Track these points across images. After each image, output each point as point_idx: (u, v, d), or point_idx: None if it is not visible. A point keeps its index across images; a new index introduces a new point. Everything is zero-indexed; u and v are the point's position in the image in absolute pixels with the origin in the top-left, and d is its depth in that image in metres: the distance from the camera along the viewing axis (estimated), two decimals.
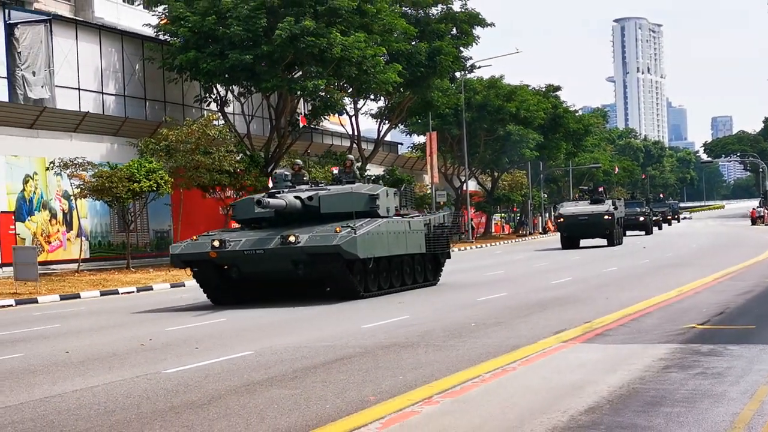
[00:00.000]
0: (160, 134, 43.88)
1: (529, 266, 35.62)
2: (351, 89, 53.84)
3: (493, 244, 68.73)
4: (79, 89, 46.61)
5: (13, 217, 39.40)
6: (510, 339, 14.27)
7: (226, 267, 22.59)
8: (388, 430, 8.45)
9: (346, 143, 64.95)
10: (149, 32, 50.81)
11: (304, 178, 26.04)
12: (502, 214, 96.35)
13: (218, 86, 49.40)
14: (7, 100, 42.28)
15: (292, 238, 21.24)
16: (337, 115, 60.38)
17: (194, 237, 23.69)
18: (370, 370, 11.76)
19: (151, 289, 31.50)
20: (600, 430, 8.20)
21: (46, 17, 46.59)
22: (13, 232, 39.13)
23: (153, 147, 43.06)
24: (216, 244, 21.88)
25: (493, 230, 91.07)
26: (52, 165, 39.36)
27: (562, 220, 50.22)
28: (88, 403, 10.23)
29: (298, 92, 48.25)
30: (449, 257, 28.37)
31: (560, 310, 18.33)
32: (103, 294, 29.76)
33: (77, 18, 52.65)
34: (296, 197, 23.46)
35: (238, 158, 46.45)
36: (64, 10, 57.29)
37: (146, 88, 51.14)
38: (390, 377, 11.20)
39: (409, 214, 26.62)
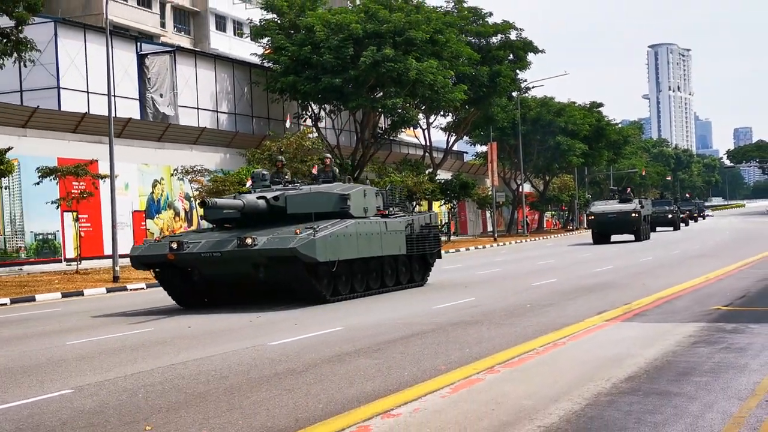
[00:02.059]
0: (265, 145, 44.27)
1: (575, 257, 35.25)
2: (424, 107, 53.94)
3: (544, 237, 68.09)
4: (197, 108, 47.22)
5: (144, 215, 40.25)
6: (560, 318, 14.14)
7: (189, 269, 18.64)
8: (456, 395, 8.42)
9: (420, 152, 64.84)
10: (256, 60, 51.37)
11: (285, 177, 21.68)
12: (553, 212, 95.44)
13: (313, 105, 49.84)
14: (139, 117, 42.98)
15: (249, 241, 17.34)
16: (412, 128, 60.47)
17: (156, 237, 20.50)
18: (441, 344, 11.73)
19: None
20: (638, 395, 8.09)
21: (171, 48, 47.36)
22: (144, 227, 39.90)
23: (258, 156, 43.46)
24: (174, 246, 17.97)
25: (545, 226, 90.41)
26: (175, 171, 39.96)
27: (592, 217, 48.43)
28: (206, 369, 10.34)
29: (380, 109, 48.65)
30: (440, 257, 23.94)
31: (603, 294, 18.11)
32: None
33: (196, 49, 53.39)
34: (261, 197, 19.36)
35: None
36: (186, 43, 58.14)
37: (253, 107, 51.64)
38: (458, 350, 11.16)
39: (394, 215, 22.16)
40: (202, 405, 8.26)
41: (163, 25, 61.05)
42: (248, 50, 55.99)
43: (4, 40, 27.24)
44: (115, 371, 10.43)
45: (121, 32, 47.57)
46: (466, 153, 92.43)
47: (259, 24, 50.26)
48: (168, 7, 62.31)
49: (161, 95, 45.19)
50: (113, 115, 31.53)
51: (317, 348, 11.74)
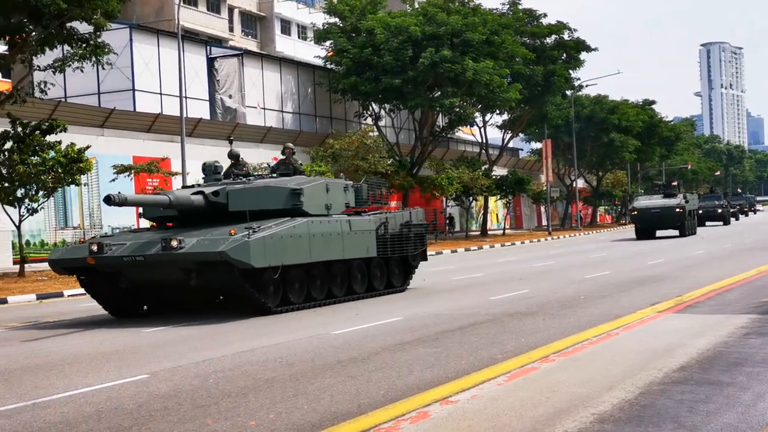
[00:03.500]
0: (327, 143, 44.54)
1: (627, 250, 34.82)
2: (480, 105, 53.73)
3: (597, 231, 67.40)
4: (264, 108, 47.60)
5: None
6: (613, 309, 13.99)
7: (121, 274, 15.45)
8: (512, 383, 8.39)
9: (476, 149, 64.59)
10: (319, 62, 51.65)
11: (244, 169, 18.48)
12: (606, 207, 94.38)
13: (373, 104, 49.98)
14: (208, 117, 43.48)
15: (174, 243, 14.26)
16: (468, 126, 60.31)
17: (81, 239, 17.24)
18: (498, 334, 11.69)
19: None
20: (690, 384, 7.98)
21: (238, 52, 47.85)
22: None
23: (322, 154, 43.74)
24: (94, 248, 15.01)
25: (598, 220, 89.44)
26: None
27: (635, 212, 45.68)
28: (272, 356, 10.42)
29: (438, 108, 48.64)
30: (425, 259, 20.70)
31: (655, 286, 17.87)
32: None
33: (263, 52, 53.79)
34: (197, 192, 16.20)
35: (389, 162, 46.79)
36: (252, 46, 58.63)
37: (316, 107, 51.94)
38: (514, 339, 11.11)
39: (366, 212, 19.18)
40: (269, 390, 8.34)
41: (231, 29, 61.62)
42: (312, 53, 56.30)
43: (84, 45, 27.78)
44: (187, 358, 10.58)
45: (191, 37, 48.15)
46: (521, 150, 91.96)
47: (322, 28, 50.54)
48: (236, 12, 62.88)
49: (230, 96, 45.70)
50: (185, 115, 31.97)
51: (378, 337, 11.77)
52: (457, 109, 49.02)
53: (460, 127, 57.71)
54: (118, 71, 38.58)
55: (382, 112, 50.98)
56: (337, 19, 49.58)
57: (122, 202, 14.56)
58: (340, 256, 16.96)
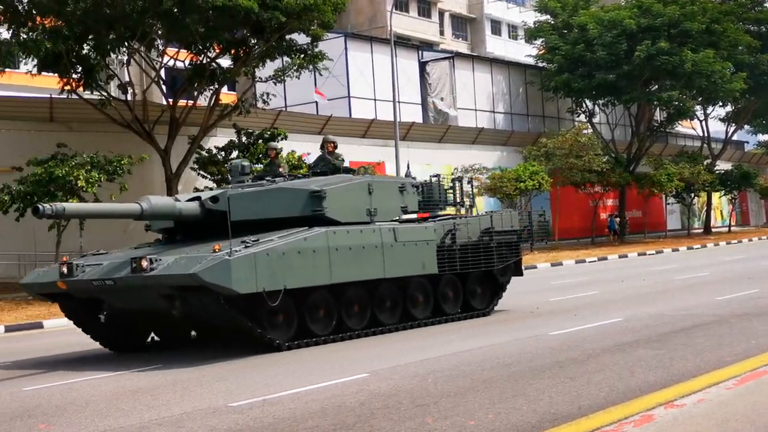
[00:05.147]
0: (540, 143, 44.13)
1: None
2: (701, 98, 51.63)
3: None
4: (475, 110, 47.83)
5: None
6: None
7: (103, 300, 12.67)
8: (743, 387, 7.99)
9: (697, 144, 61.99)
10: (530, 61, 51.31)
11: (280, 169, 15.18)
12: None
13: (586, 101, 49.17)
14: (421, 121, 44.15)
15: (144, 264, 11.43)
16: (688, 120, 58.10)
17: (64, 258, 13.34)
18: (725, 335, 11.17)
19: (535, 267, 31.59)
20: None
21: (449, 55, 48.32)
22: None
23: (534, 153, 43.38)
24: (64, 270, 12.31)
25: None
26: (455, 170, 40.64)
27: None
28: (489, 357, 10.43)
29: (655, 103, 47.32)
30: (519, 274, 16.59)
31: None
32: None
33: (473, 53, 54.02)
34: (194, 198, 13.30)
35: (604, 160, 45.80)
36: (463, 48, 59.00)
37: (528, 106, 51.59)
38: (743, 341, 10.58)
39: (438, 216, 15.44)
40: (487, 390, 8.35)
41: (441, 32, 62.23)
42: (522, 52, 55.98)
43: (302, 56, 28.96)
44: (406, 357, 10.77)
45: (403, 42, 49.02)
46: (747, 143, 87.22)
47: (533, 26, 50.23)
48: (446, 15, 63.45)
49: (442, 99, 46.21)
50: (398, 119, 32.59)
51: (596, 338, 11.53)
52: (676, 103, 47.49)
53: (679, 121, 55.68)
54: (334, 79, 39.86)
55: (596, 109, 50.03)
56: (548, 17, 49.14)
57: (57, 214, 11.65)
58: (379, 274, 13.42)
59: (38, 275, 13.04)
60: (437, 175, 16.62)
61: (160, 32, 28.08)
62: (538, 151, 43.36)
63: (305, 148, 31.18)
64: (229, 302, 11.43)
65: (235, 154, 28.44)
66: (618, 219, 49.53)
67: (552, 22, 48.70)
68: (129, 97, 28.65)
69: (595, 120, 50.22)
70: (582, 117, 50.47)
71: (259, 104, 31.63)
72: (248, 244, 11.65)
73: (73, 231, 24.69)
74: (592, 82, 45.04)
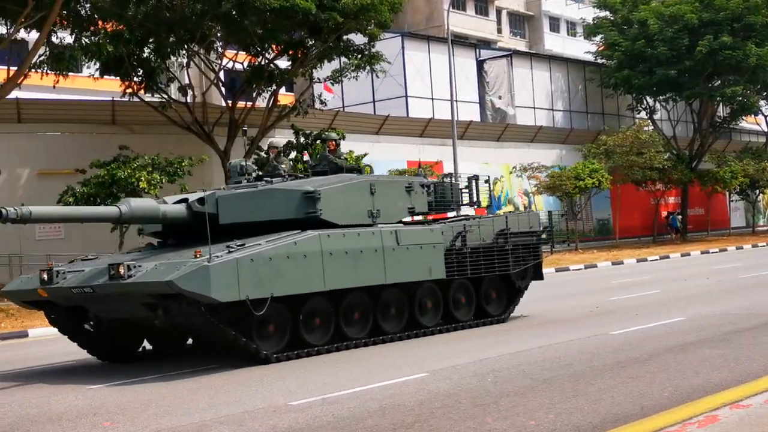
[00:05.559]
0: (600, 140, 43.66)
1: None
2: (766, 93, 50.69)
3: None
4: (534, 108, 47.51)
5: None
6: None
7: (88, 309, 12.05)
8: None
9: (762, 140, 60.81)
10: (589, 58, 50.82)
11: (281, 166, 13.92)
12: None
13: (647, 97, 48.60)
14: (479, 120, 43.98)
15: (122, 270, 10.78)
16: (753, 115, 57.04)
17: (50, 263, 12.59)
18: None
19: (596, 266, 31.29)
20: None
21: (507, 53, 48.09)
22: None
23: (594, 151, 42.93)
24: (45, 277, 11.69)
25: None
26: (514, 169, 40.49)
27: None
28: (550, 357, 10.35)
29: (718, 98, 46.59)
30: (539, 277, 15.63)
31: None
32: (557, 270, 29.95)
33: (531, 51, 53.73)
34: (181, 200, 12.39)
35: (665, 157, 45.16)
36: (521, 46, 58.72)
37: (587, 103, 51.08)
38: None
39: (452, 217, 14.55)
40: (547, 390, 8.28)
41: (499, 30, 61.92)
42: (581, 49, 55.44)
43: (359, 56, 29.06)
44: (465, 357, 10.73)
45: (461, 41, 48.87)
46: None
47: (592, 22, 49.77)
48: (504, 13, 63.12)
49: (500, 97, 45.98)
50: (456, 118, 32.52)
51: (659, 338, 11.37)
52: (740, 98, 46.68)
53: (743, 117, 54.66)
54: (391, 79, 39.89)
55: (657, 105, 49.39)
56: (607, 13, 48.61)
57: (22, 218, 10.79)
58: (380, 280, 12.54)
59: (20, 282, 12.50)
60: (449, 174, 16.05)
61: (219, 34, 28.43)
62: (598, 149, 42.89)
63: (363, 148, 31.26)
64: (211, 311, 10.70)
65: (293, 154, 28.65)
66: (680, 216, 48.83)
67: (611, 18, 48.18)
68: (189, 99, 29.04)
69: (656, 116, 49.58)
70: (642, 114, 49.85)
71: (317, 105, 31.82)
72: (232, 249, 10.96)
73: (132, 231, 25.06)
74: (653, 78, 44.53)
